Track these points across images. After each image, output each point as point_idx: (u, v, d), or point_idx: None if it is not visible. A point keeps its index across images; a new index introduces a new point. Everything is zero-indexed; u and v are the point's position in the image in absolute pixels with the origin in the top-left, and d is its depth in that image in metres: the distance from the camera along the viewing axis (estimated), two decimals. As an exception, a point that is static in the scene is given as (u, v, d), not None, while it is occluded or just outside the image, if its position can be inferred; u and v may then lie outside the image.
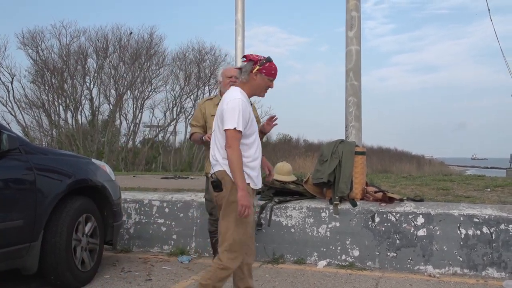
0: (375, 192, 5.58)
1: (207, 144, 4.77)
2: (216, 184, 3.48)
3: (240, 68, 3.67)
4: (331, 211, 5.44)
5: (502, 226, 4.87)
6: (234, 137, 3.37)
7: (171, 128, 27.52)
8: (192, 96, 26.68)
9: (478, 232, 4.93)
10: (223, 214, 3.52)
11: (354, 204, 5.39)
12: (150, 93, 26.27)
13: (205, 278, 3.48)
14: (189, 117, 26.59)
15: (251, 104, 3.85)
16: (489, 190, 7.30)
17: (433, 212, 5.09)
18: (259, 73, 3.56)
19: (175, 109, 26.61)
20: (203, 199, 5.87)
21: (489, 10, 13.03)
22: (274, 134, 34.67)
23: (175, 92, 26.57)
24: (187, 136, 5.66)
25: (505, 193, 7.01)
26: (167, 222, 6.06)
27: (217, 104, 4.89)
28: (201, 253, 5.88)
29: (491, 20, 13.08)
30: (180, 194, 6.32)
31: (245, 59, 3.64)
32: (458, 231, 4.99)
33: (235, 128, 3.36)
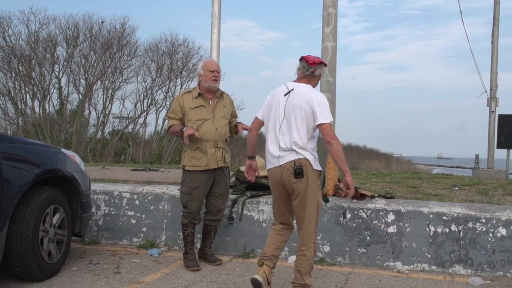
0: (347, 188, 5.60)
1: (191, 138, 4.78)
2: (299, 171, 3.82)
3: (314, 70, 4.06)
4: (303, 206, 5.44)
5: (470, 224, 4.95)
6: (332, 129, 3.88)
7: (141, 120, 27.20)
8: (163, 88, 26.39)
9: (447, 229, 5.01)
10: (303, 200, 3.87)
11: (326, 200, 5.41)
12: (121, 84, 25.90)
13: (304, 268, 3.93)
14: (160, 109, 26.34)
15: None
16: (457, 188, 7.43)
17: (403, 209, 5.15)
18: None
19: (146, 100, 26.28)
20: (174, 192, 5.82)
21: (461, 12, 13.25)
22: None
23: (146, 83, 26.24)
24: (164, 128, 5.52)
25: (472, 192, 7.15)
26: (137, 214, 5.98)
27: (196, 98, 4.94)
28: (171, 246, 5.82)
29: (463, 22, 13.30)
30: (151, 186, 6.24)
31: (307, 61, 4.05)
32: (427, 229, 5.06)
33: (331, 122, 3.87)
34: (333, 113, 6.36)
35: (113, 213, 6.06)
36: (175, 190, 5.97)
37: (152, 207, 5.96)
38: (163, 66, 26.41)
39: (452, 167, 78.74)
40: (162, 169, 10.69)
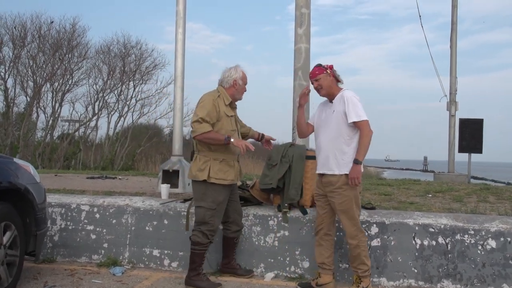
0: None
1: (231, 150, 4.61)
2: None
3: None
4: (279, 219, 5.08)
5: (458, 236, 4.70)
6: None
7: (92, 123, 26.22)
8: (116, 91, 25.54)
9: (434, 242, 4.74)
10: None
11: (305, 212, 5.06)
12: (71, 86, 24.90)
13: (364, 264, 4.35)
14: (112, 113, 25.45)
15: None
16: (430, 195, 7.24)
17: (387, 221, 4.85)
18: None
19: (97, 103, 25.35)
20: (139, 204, 5.38)
21: (420, 16, 13.24)
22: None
23: (98, 86, 25.33)
24: (195, 134, 4.61)
25: (447, 199, 6.97)
26: (98, 229, 5.46)
27: (227, 105, 4.66)
28: (135, 264, 5.34)
29: (422, 26, 13.29)
30: (112, 198, 5.73)
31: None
32: (413, 241, 4.78)
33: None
34: (307, 117, 6.02)
35: (70, 227, 5.52)
36: (139, 202, 5.50)
37: (114, 221, 5.46)
38: (115, 69, 25.56)
39: (402, 169, 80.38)
40: (120, 177, 10.13)
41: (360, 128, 4.22)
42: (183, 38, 6.79)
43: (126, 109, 25.40)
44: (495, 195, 7.24)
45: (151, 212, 5.40)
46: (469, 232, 4.69)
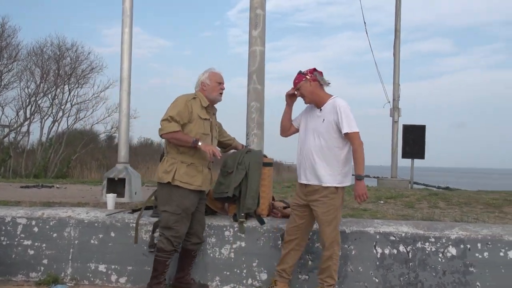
0: (284, 207, 5.07)
1: (202, 154, 4.40)
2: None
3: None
4: (235, 229, 4.82)
5: (419, 244, 4.61)
6: None
7: (24, 129, 24.94)
8: (50, 95, 24.42)
9: (395, 251, 4.62)
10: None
11: (262, 222, 4.83)
12: (1, 89, 23.58)
13: (331, 278, 4.22)
14: (45, 117, 24.31)
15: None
16: (382, 202, 7.21)
17: (347, 230, 4.69)
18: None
19: (29, 108, 24.13)
20: (82, 216, 5.00)
21: (365, 23, 13.36)
22: (135, 137, 33.21)
23: (30, 89, 24.13)
24: (161, 132, 3.98)
25: (399, 205, 6.95)
26: (36, 244, 5.01)
27: (205, 107, 4.41)
28: (79, 280, 4.93)
29: (367, 33, 13.42)
30: (53, 209, 5.28)
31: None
32: (374, 250, 4.64)
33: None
34: (261, 123, 5.85)
35: (4, 243, 5.03)
36: (83, 213, 5.09)
37: (55, 235, 5.02)
38: (49, 71, 24.44)
39: None
40: (57, 185, 9.53)
41: (351, 139, 4.08)
42: (130, 38, 6.42)
43: (60, 113, 24.33)
44: (445, 201, 7.29)
45: (96, 224, 5.01)
46: (429, 239, 4.61)
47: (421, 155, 13.46)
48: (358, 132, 4.09)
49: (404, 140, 13.53)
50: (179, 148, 4.31)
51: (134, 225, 4.89)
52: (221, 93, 4.52)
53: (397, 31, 13.77)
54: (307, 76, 4.19)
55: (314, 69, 4.23)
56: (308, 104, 4.36)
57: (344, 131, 4.05)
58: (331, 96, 4.24)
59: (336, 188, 4.14)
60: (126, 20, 6.42)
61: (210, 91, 4.44)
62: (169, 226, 4.29)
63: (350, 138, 4.08)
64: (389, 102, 13.68)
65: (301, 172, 4.31)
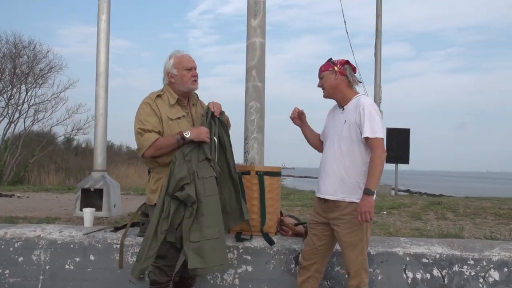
0: (295, 224, 4.37)
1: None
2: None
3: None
4: (240, 250, 4.09)
5: (456, 268, 3.98)
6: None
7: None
8: (5, 95, 22.98)
9: (428, 275, 3.98)
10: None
11: (271, 242, 4.10)
12: (-49, 89, 22.04)
13: None
14: (1, 118, 22.86)
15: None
16: (385, 213, 6.61)
17: (372, 251, 4.03)
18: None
19: (-18, 109, 22.66)
20: (55, 236, 4.20)
21: (345, 22, 12.80)
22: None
23: (-18, 89, 22.65)
24: (141, 152, 3.17)
25: (404, 216, 6.40)
26: (-2, 270, 4.16)
27: (173, 105, 3.55)
28: (50, 313, 4.09)
29: (347, 32, 12.84)
30: (17, 227, 4.43)
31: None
32: (404, 275, 3.99)
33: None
34: (262, 126, 5.15)
35: (-41, 269, 4.16)
36: (55, 233, 4.27)
37: (21, 259, 4.19)
38: (5, 70, 23.02)
39: (301, 177, 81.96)
40: (19, 194, 8.53)
41: (373, 146, 3.32)
42: (108, 26, 5.60)
43: (17, 114, 22.94)
44: (451, 211, 6.77)
45: (72, 246, 4.20)
46: (468, 262, 3.98)
47: (405, 160, 12.99)
48: (382, 138, 3.37)
49: (388, 144, 13.02)
50: (157, 160, 3.51)
51: (118, 246, 4.12)
52: (195, 80, 3.65)
53: (378, 31, 13.32)
54: (335, 67, 3.47)
55: (347, 62, 3.53)
56: (331, 101, 3.66)
57: (365, 135, 3.32)
58: (357, 93, 3.55)
59: None
60: (103, 6, 5.60)
61: (180, 82, 3.58)
62: (161, 255, 3.50)
63: (371, 145, 3.34)
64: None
65: (320, 184, 3.60)
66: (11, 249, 4.20)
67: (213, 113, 3.61)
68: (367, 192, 3.27)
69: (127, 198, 7.69)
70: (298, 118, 3.85)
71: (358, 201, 3.36)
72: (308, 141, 3.90)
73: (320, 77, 3.51)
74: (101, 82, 5.71)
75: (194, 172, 3.43)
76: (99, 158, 5.83)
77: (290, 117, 3.87)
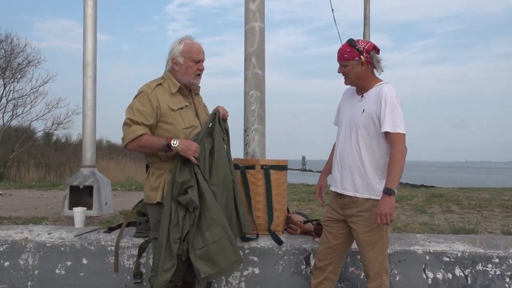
0: (304, 222, 4.06)
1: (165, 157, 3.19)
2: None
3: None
4: (246, 251, 3.78)
5: (479, 267, 3.71)
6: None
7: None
8: (-18, 90, 22.30)
9: (450, 275, 3.71)
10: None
11: (279, 241, 3.80)
12: None
13: None
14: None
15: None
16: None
17: (389, 249, 3.73)
18: None
19: (-41, 104, 21.95)
20: (44, 238, 3.87)
21: (332, 10, 12.43)
22: (75, 134, 31.14)
23: (-41, 84, 21.93)
24: (124, 142, 2.85)
25: (408, 210, 6.19)
26: (-19, 276, 3.80)
27: (174, 94, 3.21)
28: (40, 323, 3.75)
29: (335, 21, 12.48)
30: (2, 229, 4.07)
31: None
32: (424, 275, 3.72)
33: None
34: (262, 117, 4.83)
35: None
36: (44, 234, 3.94)
37: (7, 264, 3.84)
38: (-18, 65, 22.33)
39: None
40: (0, 192, 8.09)
41: (393, 142, 2.98)
42: (95, 12, 5.21)
43: (-5, 110, 22.30)
44: (455, 203, 6.54)
45: (62, 249, 3.86)
46: (492, 260, 3.72)
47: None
48: (404, 134, 3.07)
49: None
50: (159, 154, 3.16)
51: (113, 248, 3.79)
52: (198, 75, 3.30)
53: (366, 18, 12.95)
54: (361, 56, 3.14)
55: (374, 47, 3.19)
56: (347, 86, 3.34)
57: (385, 129, 2.99)
58: (380, 81, 3.23)
59: None
60: (90, -11, 5.20)
61: (183, 72, 3.24)
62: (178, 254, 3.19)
63: (392, 140, 3.01)
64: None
65: (335, 178, 3.28)
66: (-5, 253, 3.85)
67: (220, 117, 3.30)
68: (387, 192, 2.95)
69: (115, 194, 7.31)
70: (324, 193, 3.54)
71: (377, 197, 3.06)
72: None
73: (344, 65, 3.16)
74: (89, 72, 5.32)
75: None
76: (88, 153, 5.45)
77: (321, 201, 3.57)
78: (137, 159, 21.50)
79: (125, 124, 3.09)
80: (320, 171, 3.77)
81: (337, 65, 3.20)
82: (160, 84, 3.21)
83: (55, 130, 24.23)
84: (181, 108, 3.23)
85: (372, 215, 3.06)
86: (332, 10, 12.88)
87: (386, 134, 3.00)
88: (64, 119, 23.09)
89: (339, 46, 3.21)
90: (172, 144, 3.03)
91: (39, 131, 24.97)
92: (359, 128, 3.09)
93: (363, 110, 3.09)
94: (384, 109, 2.99)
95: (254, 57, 4.74)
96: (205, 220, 3.08)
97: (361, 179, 3.10)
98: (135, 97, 3.18)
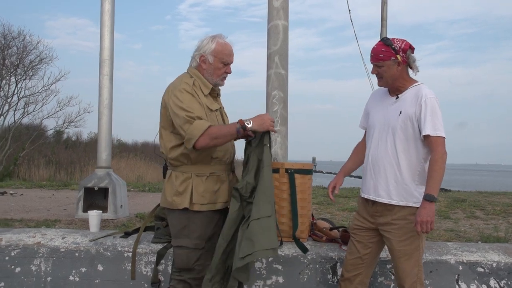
0: (330, 229, 3.88)
1: (223, 154, 3.11)
2: None
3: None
4: (270, 259, 3.60)
5: (516, 278, 3.52)
6: None
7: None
8: (-5, 87, 22.28)
9: (484, 286, 3.52)
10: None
11: (305, 249, 3.61)
12: None
13: None
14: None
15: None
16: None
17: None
18: None
19: (-31, 101, 21.93)
20: (57, 243, 3.72)
21: (349, 10, 12.31)
22: (85, 133, 31.12)
23: (-29, 80, 21.92)
24: (191, 141, 2.58)
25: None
26: (-8, 282, 3.65)
27: (209, 95, 3.10)
28: (54, 332, 3.59)
29: (352, 22, 12.37)
30: (14, 233, 3.91)
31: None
32: (457, 286, 3.52)
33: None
34: (285, 118, 4.67)
35: None
36: (57, 239, 3.78)
37: (18, 269, 3.69)
38: (-6, 61, 22.31)
39: None
40: (12, 191, 7.95)
41: (433, 145, 2.81)
42: (112, 8, 5.07)
43: (6, 107, 22.26)
44: (479, 209, 6.33)
45: (77, 254, 3.70)
46: (530, 271, 3.53)
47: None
48: (444, 138, 2.88)
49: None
50: (190, 156, 2.98)
51: (130, 254, 3.63)
52: (225, 78, 3.17)
53: (383, 19, 12.82)
54: (398, 56, 2.95)
55: (410, 46, 2.99)
56: (379, 87, 3.15)
57: (426, 132, 2.82)
58: (415, 81, 3.04)
59: (418, 208, 2.95)
60: (107, -14, 5.04)
61: (210, 72, 3.07)
62: (189, 267, 3.01)
63: (432, 144, 2.84)
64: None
65: (367, 184, 3.10)
66: (7, 258, 3.71)
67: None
68: (429, 198, 2.77)
69: (128, 195, 7.16)
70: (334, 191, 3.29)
71: (414, 204, 2.88)
72: (358, 167, 3.39)
73: (379, 66, 2.97)
74: (105, 70, 5.17)
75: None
76: (104, 154, 5.29)
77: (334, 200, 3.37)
78: (147, 158, 21.40)
79: (185, 123, 2.85)
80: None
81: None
82: (193, 83, 3.03)
83: (66, 128, 24.25)
84: (216, 110, 3.07)
85: (408, 223, 2.88)
86: (349, 10, 12.79)
87: (426, 137, 2.82)
88: (76, 117, 23.09)
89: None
90: (246, 124, 2.87)
91: (50, 129, 24.98)
92: (395, 131, 2.91)
93: (400, 112, 2.90)
94: (425, 112, 2.81)
95: (277, 56, 4.58)
96: (256, 193, 2.90)
97: (397, 185, 2.91)
98: (173, 94, 2.92)
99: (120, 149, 27.89)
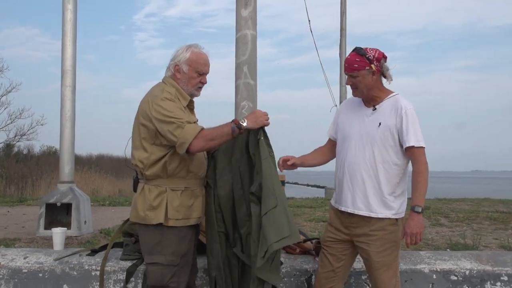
0: (304, 241, 3.83)
1: (197, 167, 3.04)
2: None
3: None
4: (243, 273, 3.51)
5: (488, 285, 3.55)
6: None
7: None
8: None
9: (458, 295, 3.54)
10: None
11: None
12: None
13: None
14: None
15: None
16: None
17: (394, 268, 3.54)
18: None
19: None
20: (19, 263, 3.55)
21: (309, 20, 12.34)
22: (38, 146, 30.21)
23: None
24: (184, 146, 2.46)
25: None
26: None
27: (185, 106, 3.00)
28: None
29: (311, 32, 12.38)
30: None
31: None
32: (432, 295, 3.54)
33: None
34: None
35: None
36: (19, 259, 3.60)
37: (-22, 292, 3.47)
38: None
39: (288, 182, 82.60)
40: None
41: (416, 157, 2.83)
42: (75, 17, 4.91)
43: (-46, 120, 21.45)
44: (443, 216, 6.43)
45: (41, 275, 3.53)
46: (501, 278, 3.56)
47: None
48: (425, 148, 2.92)
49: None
50: (167, 168, 2.88)
51: (97, 273, 3.49)
52: (200, 88, 3.06)
53: (342, 29, 12.95)
54: (372, 65, 2.92)
55: (383, 55, 2.98)
56: (353, 97, 3.13)
57: (409, 143, 2.81)
58: (390, 92, 3.03)
59: (397, 219, 2.94)
60: (70, -7, 4.88)
61: (185, 82, 2.97)
62: (164, 285, 2.90)
63: (415, 154, 2.83)
64: (336, 106, 12.74)
65: (344, 196, 3.04)
66: (-35, 281, 3.49)
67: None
68: (416, 210, 2.78)
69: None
70: (287, 166, 3.23)
71: (392, 216, 2.87)
72: (315, 165, 3.36)
73: (353, 76, 2.94)
74: (68, 81, 4.99)
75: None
76: (67, 168, 5.09)
77: (280, 165, 3.25)
78: (102, 170, 20.89)
79: (176, 128, 2.74)
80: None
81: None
82: (170, 93, 2.93)
83: (18, 141, 23.54)
84: (194, 123, 2.97)
85: (387, 234, 2.87)
86: (309, 20, 12.85)
87: (409, 148, 2.81)
88: (28, 130, 22.46)
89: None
90: (241, 123, 2.79)
91: (0, 143, 24.18)
92: (375, 142, 2.89)
93: (379, 124, 2.88)
94: (406, 124, 2.81)
95: (246, 66, 4.53)
96: (262, 190, 2.85)
97: (375, 197, 2.89)
98: (154, 103, 2.81)
99: (75, 162, 27.12)
